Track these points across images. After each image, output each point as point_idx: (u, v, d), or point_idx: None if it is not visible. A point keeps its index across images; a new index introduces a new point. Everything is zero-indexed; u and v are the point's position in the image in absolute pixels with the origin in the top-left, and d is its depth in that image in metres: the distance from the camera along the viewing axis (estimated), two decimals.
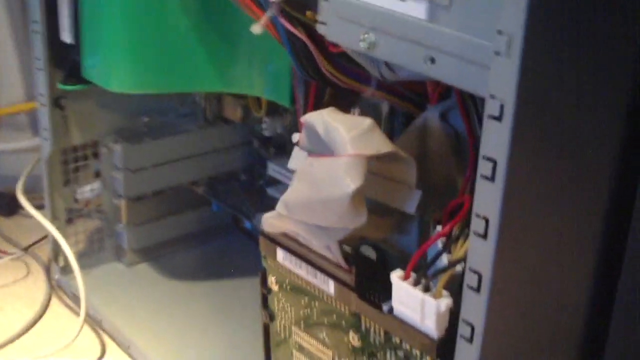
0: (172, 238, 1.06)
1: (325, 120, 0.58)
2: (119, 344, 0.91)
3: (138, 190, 1.00)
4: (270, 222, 0.64)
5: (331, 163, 0.56)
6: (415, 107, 0.71)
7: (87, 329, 0.92)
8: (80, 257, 0.98)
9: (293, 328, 0.68)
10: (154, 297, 0.98)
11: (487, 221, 0.49)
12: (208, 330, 0.91)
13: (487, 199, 0.49)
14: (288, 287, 0.67)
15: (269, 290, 0.68)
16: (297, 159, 0.62)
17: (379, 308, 0.58)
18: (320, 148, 0.59)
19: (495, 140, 0.48)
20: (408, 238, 0.64)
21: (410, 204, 0.60)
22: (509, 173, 0.48)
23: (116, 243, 1.03)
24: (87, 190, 1.00)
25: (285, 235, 0.65)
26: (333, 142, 0.57)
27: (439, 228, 0.60)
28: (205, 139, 1.02)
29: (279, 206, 0.61)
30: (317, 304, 0.65)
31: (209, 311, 0.95)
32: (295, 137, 0.72)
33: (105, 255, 1.03)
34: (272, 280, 0.68)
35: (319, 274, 0.62)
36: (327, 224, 0.58)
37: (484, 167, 0.49)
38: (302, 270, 0.64)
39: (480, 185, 0.49)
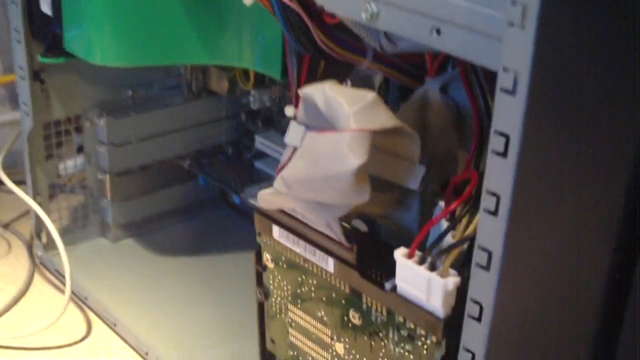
0: (158, 213, 1.03)
1: (326, 94, 0.56)
2: (105, 322, 0.89)
3: (123, 165, 0.98)
4: (266, 198, 0.62)
5: (334, 138, 0.54)
6: (413, 80, 0.70)
7: (72, 306, 0.90)
8: (64, 233, 0.96)
9: (289, 305, 0.66)
10: (140, 273, 0.96)
11: (498, 198, 0.48)
12: (196, 306, 0.90)
13: (499, 175, 0.47)
14: (284, 265, 0.65)
15: (264, 268, 0.67)
16: (294, 133, 0.60)
17: (382, 286, 0.57)
18: (320, 122, 0.58)
19: (508, 114, 0.46)
20: (408, 214, 0.62)
21: (414, 180, 0.58)
22: (522, 149, 0.46)
23: (101, 219, 1.01)
24: (70, 165, 0.97)
25: (281, 211, 0.63)
26: (335, 117, 0.55)
27: (441, 204, 0.59)
28: (191, 112, 1.00)
29: (277, 183, 0.59)
30: (314, 281, 0.63)
31: (197, 287, 0.93)
32: (288, 109, 0.70)
33: (90, 231, 1.01)
34: (267, 257, 0.66)
35: (317, 251, 0.61)
36: (329, 201, 0.56)
37: (496, 143, 0.47)
38: (300, 248, 0.62)
39: (492, 161, 0.48)
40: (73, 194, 1.00)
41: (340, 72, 0.72)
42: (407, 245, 0.56)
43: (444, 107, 0.63)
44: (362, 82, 0.76)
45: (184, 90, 1.00)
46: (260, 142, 0.96)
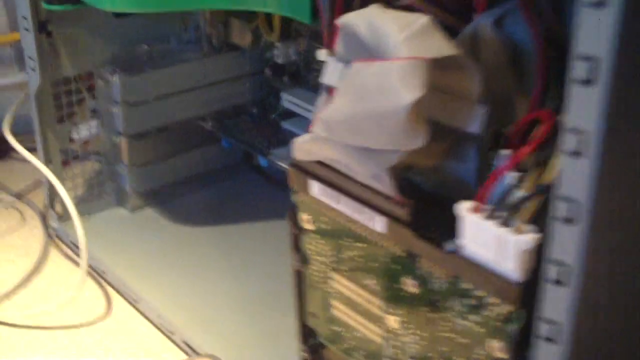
0: (178, 179, 0.96)
1: (370, 20, 0.47)
2: (125, 298, 0.82)
3: (139, 126, 0.90)
4: (303, 147, 0.53)
5: (383, 68, 0.45)
6: (459, 19, 0.62)
7: (90, 282, 0.84)
8: (79, 202, 0.91)
9: (331, 274, 0.58)
10: (161, 244, 0.89)
11: (583, 135, 0.39)
12: (224, 280, 0.82)
13: (584, 108, 0.39)
14: (325, 226, 0.57)
15: (301, 230, 0.58)
16: (332, 71, 0.52)
17: (442, 247, 0.48)
18: (363, 55, 0.49)
19: (594, 32, 0.38)
20: (464, 165, 0.54)
21: (473, 122, 0.50)
22: (614, 73, 0.38)
23: (118, 186, 0.94)
24: (84, 129, 0.90)
25: (320, 164, 0.55)
26: (382, 46, 0.46)
27: (503, 153, 0.51)
28: (212, 68, 0.93)
29: (317, 127, 0.50)
30: (361, 245, 0.55)
31: (224, 259, 0.86)
32: (321, 53, 0.63)
33: (106, 200, 0.94)
34: (304, 218, 0.57)
35: (364, 208, 0.52)
36: (378, 146, 0.47)
37: (579, 69, 0.39)
38: (343, 206, 0.54)
39: (575, 92, 0.39)
40: (87, 161, 0.93)
41: None
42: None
43: (499, 44, 0.55)
44: None
45: (204, 45, 0.94)
46: (287, 100, 0.89)
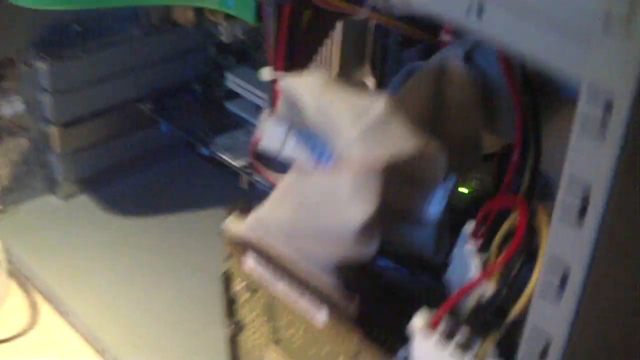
0: (115, 164, 0.89)
1: (319, 101, 0.40)
2: (54, 308, 0.75)
3: (71, 114, 0.83)
4: (234, 231, 0.46)
5: (332, 180, 0.39)
6: (424, 32, 0.58)
7: (14, 287, 0.77)
8: (5, 191, 0.84)
9: (270, 345, 0.52)
10: (94, 240, 0.82)
11: (566, 271, 0.34)
12: (160, 284, 0.76)
13: (572, 244, 0.33)
14: (261, 298, 0.51)
15: (234, 298, 0.52)
16: (273, 134, 0.46)
17: (391, 355, 0.43)
18: (307, 125, 0.43)
19: (593, 162, 0.32)
20: (422, 230, 0.48)
21: (433, 208, 0.44)
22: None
23: (48, 173, 0.86)
24: (6, 105, 0.81)
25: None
26: (330, 130, 0.40)
27: (467, 230, 0.45)
28: (151, 47, 0.86)
29: (253, 225, 0.44)
30: (304, 326, 0.49)
31: (161, 257, 0.80)
32: (265, 72, 0.57)
33: (36, 187, 0.87)
34: (240, 285, 0.51)
35: (304, 295, 0.46)
36: (322, 258, 0.41)
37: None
38: (282, 286, 0.48)
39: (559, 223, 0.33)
40: (14, 138, 0.84)
41: (330, 22, 0.62)
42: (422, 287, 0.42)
43: (468, 81, 0.50)
44: (354, 27, 0.64)
45: (143, 21, 0.86)
46: (232, 81, 0.83)
